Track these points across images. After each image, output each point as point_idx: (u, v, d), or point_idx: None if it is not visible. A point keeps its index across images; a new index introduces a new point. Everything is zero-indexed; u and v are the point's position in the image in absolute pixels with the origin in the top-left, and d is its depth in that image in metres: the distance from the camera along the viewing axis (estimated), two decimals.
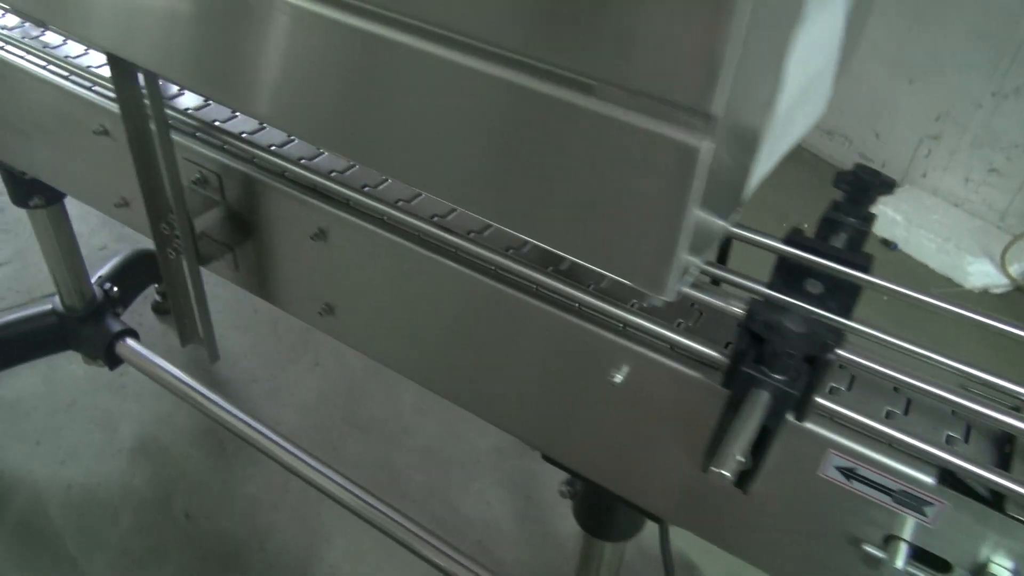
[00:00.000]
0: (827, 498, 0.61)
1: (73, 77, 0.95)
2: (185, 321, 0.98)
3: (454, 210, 0.80)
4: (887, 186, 0.67)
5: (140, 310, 1.86)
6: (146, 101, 0.79)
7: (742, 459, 0.47)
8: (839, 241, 0.68)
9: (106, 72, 0.93)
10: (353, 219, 0.80)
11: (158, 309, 1.91)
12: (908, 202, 2.60)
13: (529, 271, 0.68)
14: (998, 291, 2.41)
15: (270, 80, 0.62)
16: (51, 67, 0.97)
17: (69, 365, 1.68)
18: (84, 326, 1.49)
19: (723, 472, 0.46)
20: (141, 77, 0.77)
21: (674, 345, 0.60)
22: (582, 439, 0.76)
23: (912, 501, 0.57)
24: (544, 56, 0.38)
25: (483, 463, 1.62)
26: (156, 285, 1.87)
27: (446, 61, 0.43)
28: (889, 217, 2.57)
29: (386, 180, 0.83)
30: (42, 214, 1.34)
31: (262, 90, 0.63)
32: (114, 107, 0.92)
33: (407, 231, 0.76)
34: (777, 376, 0.51)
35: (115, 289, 1.58)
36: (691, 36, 0.32)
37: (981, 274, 2.39)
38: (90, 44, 0.76)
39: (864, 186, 0.67)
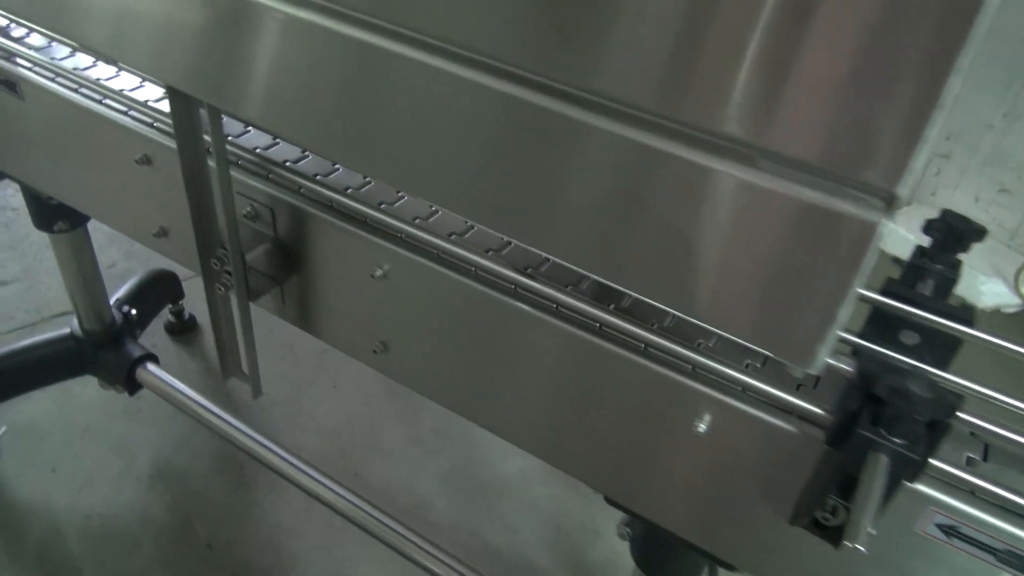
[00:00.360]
0: (921, 554, 0.60)
1: (109, 102, 0.93)
2: (229, 356, 0.96)
3: (509, 243, 0.78)
4: (979, 233, 0.66)
5: (153, 330, 1.83)
6: (206, 136, 0.76)
7: (874, 532, 0.45)
8: (926, 288, 0.67)
9: (144, 97, 0.91)
10: (414, 256, 0.78)
11: (171, 329, 1.87)
12: (918, 220, 2.61)
13: (621, 323, 0.66)
14: (1010, 311, 2.41)
15: (352, 123, 0.60)
16: (84, 90, 0.94)
17: (83, 388, 1.65)
18: (104, 351, 1.46)
19: (858, 547, 0.44)
20: (203, 111, 0.75)
21: (775, 401, 0.59)
22: (652, 484, 0.74)
23: (1017, 561, 0.56)
24: (720, 133, 0.36)
25: (509, 489, 1.59)
26: (171, 305, 1.84)
27: (603, 132, 0.41)
28: (900, 235, 2.57)
29: (436, 211, 0.81)
30: (65, 238, 1.31)
31: (349, 136, 0.61)
32: (158, 136, 0.90)
33: (466, 267, 0.75)
34: (897, 440, 0.50)
35: (133, 312, 1.55)
36: (892, 119, 0.31)
37: (993, 294, 2.40)
38: (159, 79, 0.74)
39: (954, 233, 0.66)
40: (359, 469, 1.60)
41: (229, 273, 0.86)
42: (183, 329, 1.87)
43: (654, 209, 0.40)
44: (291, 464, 1.37)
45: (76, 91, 0.95)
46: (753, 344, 0.41)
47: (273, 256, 0.88)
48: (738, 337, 0.40)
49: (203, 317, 1.92)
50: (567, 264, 0.52)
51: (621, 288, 0.46)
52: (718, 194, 0.37)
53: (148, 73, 0.86)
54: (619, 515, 0.84)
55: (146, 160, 0.92)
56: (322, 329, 0.93)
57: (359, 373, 1.80)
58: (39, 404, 1.62)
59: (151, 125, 0.91)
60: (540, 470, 1.63)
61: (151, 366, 1.47)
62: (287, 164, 0.84)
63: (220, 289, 0.87)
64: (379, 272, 0.80)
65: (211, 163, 0.81)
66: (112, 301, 1.54)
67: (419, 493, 1.57)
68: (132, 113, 0.92)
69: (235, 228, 0.81)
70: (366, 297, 0.85)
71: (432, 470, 1.62)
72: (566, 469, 0.79)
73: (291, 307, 0.94)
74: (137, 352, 1.46)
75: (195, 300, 1.91)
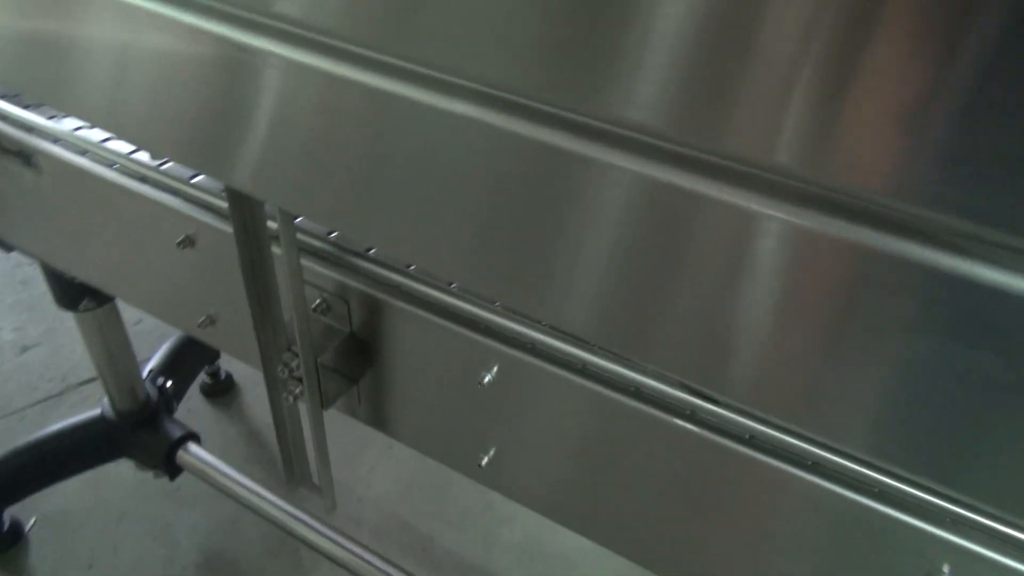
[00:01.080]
0: None
1: (143, 178, 0.78)
2: (295, 465, 0.81)
3: None
4: None
5: (188, 392, 1.68)
6: (271, 223, 0.61)
7: None
8: None
9: (182, 171, 0.76)
10: (533, 360, 0.62)
11: (208, 391, 1.73)
12: None
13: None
14: None
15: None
16: (115, 167, 0.80)
17: (116, 468, 1.50)
18: (140, 432, 1.31)
19: None
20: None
21: None
22: None
23: None
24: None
25: (590, 558, 1.43)
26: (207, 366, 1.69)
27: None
28: None
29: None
30: (91, 316, 1.16)
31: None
32: (201, 215, 0.75)
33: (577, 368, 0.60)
34: None
35: (168, 384, 1.40)
36: None
37: None
38: (228, 183, 0.59)
39: None
40: (426, 544, 1.44)
41: (298, 379, 0.71)
42: (220, 390, 1.73)
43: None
44: (350, 551, 1.22)
45: (103, 165, 0.80)
46: None
47: (349, 353, 0.73)
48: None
49: (240, 375, 1.78)
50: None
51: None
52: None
53: (205, 172, 0.71)
54: None
55: (189, 242, 0.77)
56: (408, 435, 0.77)
57: None
58: (70, 490, 1.47)
59: (194, 203, 0.76)
60: None
61: (193, 447, 1.32)
62: (370, 253, 0.69)
63: (289, 399, 0.72)
64: (488, 377, 0.64)
65: (275, 249, 0.66)
66: (145, 373, 1.39)
67: (496, 568, 1.41)
68: (176, 191, 0.77)
69: (308, 330, 0.66)
70: (470, 401, 0.69)
71: (507, 539, 1.46)
72: None
73: (368, 407, 0.79)
74: (177, 432, 1.31)
75: (231, 358, 1.76)
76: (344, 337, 0.71)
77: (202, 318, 0.84)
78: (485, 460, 0.71)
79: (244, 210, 0.60)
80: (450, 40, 0.39)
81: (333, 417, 1.73)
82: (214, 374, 1.72)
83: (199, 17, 0.50)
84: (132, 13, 0.52)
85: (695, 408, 0.57)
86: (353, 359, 0.74)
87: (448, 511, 1.51)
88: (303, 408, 0.74)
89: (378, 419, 0.79)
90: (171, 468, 1.31)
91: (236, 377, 1.77)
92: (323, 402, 0.72)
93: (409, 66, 0.42)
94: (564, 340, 0.61)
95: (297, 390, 0.71)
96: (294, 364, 0.70)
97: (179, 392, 1.47)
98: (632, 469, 0.64)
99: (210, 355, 1.65)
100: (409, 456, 1.62)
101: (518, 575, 1.40)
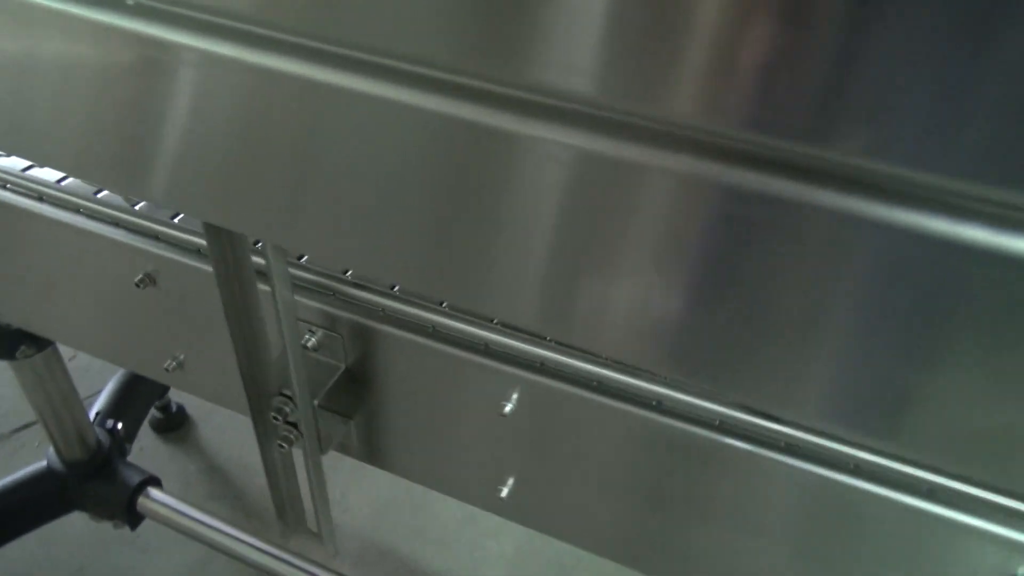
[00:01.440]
0: None
1: (78, 209, 0.70)
2: (291, 512, 0.74)
3: None
4: None
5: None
6: (258, 259, 0.54)
7: None
8: None
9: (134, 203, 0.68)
10: (547, 380, 0.58)
11: (159, 427, 1.61)
12: None
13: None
14: None
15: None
16: (51, 200, 0.71)
17: (67, 519, 1.38)
18: (94, 483, 1.20)
19: None
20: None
21: None
22: None
23: None
24: None
25: (584, 561, 1.40)
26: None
27: None
28: None
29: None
30: (29, 363, 1.05)
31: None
32: (163, 251, 0.67)
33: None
34: None
35: (119, 426, 1.29)
36: None
37: None
38: (139, 197, 0.52)
39: None
40: (412, 566, 1.38)
41: (292, 424, 0.64)
42: (173, 425, 1.62)
43: None
44: None
45: (38, 200, 0.71)
46: None
47: (344, 390, 0.67)
48: None
49: (193, 406, 1.67)
50: None
51: None
52: None
53: (112, 189, 0.63)
54: None
55: (149, 281, 0.69)
56: (413, 470, 0.72)
57: None
58: (20, 547, 1.34)
59: (153, 237, 0.68)
60: None
61: (154, 492, 1.22)
62: (367, 283, 0.62)
63: (283, 447, 0.65)
64: (508, 407, 0.59)
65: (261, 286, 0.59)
66: (92, 416, 1.28)
67: None
68: (114, 221, 0.69)
69: (302, 369, 0.59)
70: (484, 431, 0.64)
71: (496, 552, 1.41)
72: None
73: (364, 444, 0.73)
74: (135, 478, 1.21)
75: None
76: (339, 374, 0.65)
77: (169, 362, 0.76)
78: (505, 491, 0.66)
79: (224, 243, 0.53)
80: (359, 13, 0.34)
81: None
82: (164, 408, 1.61)
83: (95, 8, 0.41)
84: (9, 6, 0.44)
85: (723, 417, 0.54)
86: (348, 396, 0.67)
87: (431, 529, 1.45)
88: (306, 459, 0.67)
89: (375, 455, 0.73)
90: (132, 517, 1.21)
91: (189, 409, 1.66)
92: (321, 446, 0.66)
93: (325, 47, 0.36)
94: (577, 357, 0.57)
95: (292, 436, 0.65)
96: (287, 409, 0.63)
97: (131, 433, 1.36)
98: (660, 484, 0.60)
99: (160, 388, 1.53)
100: (380, 475, 1.54)
101: None
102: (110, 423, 1.29)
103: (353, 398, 0.68)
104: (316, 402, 0.63)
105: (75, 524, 1.38)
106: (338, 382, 0.65)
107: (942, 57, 0.25)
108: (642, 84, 0.30)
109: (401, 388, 0.66)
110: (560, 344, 0.58)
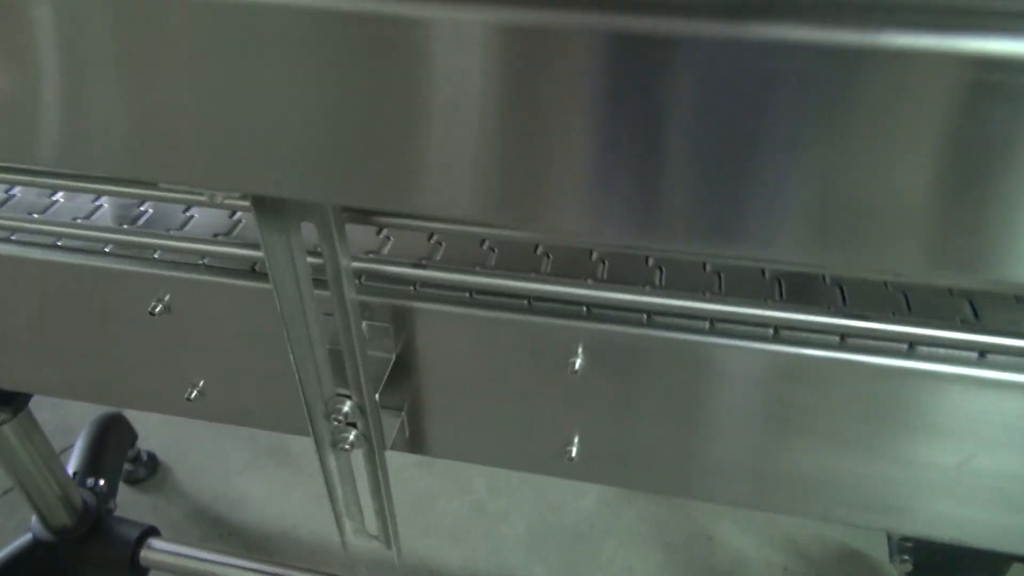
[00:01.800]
0: None
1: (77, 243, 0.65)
2: (349, 519, 0.72)
3: None
4: None
5: None
6: (297, 258, 0.52)
7: None
8: None
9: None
10: (603, 326, 0.58)
11: (131, 479, 1.53)
12: None
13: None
14: None
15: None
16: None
17: None
18: (88, 546, 1.13)
19: None
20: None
21: None
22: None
23: None
24: None
25: (598, 524, 1.42)
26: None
27: None
28: None
29: None
30: (6, 430, 0.98)
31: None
32: (176, 272, 0.64)
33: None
34: None
35: (101, 483, 1.22)
36: None
37: None
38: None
39: None
40: (431, 564, 1.37)
41: (352, 424, 0.62)
42: (146, 474, 1.53)
43: None
44: None
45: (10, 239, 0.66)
46: None
47: (395, 382, 0.65)
48: None
49: (163, 452, 1.59)
50: None
51: None
52: None
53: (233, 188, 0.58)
54: (723, 512, 0.70)
55: (164, 308, 0.66)
56: (469, 451, 0.71)
57: None
58: None
59: (166, 261, 0.64)
60: (616, 494, 1.47)
61: (155, 542, 1.16)
62: (422, 263, 0.61)
63: (347, 449, 0.63)
64: (577, 363, 0.59)
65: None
66: (71, 476, 1.20)
67: (513, 567, 1.36)
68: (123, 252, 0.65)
69: (368, 367, 0.58)
70: (545, 393, 0.64)
71: (510, 535, 1.41)
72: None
73: (414, 434, 0.71)
74: (133, 532, 1.14)
75: (149, 434, 1.57)
76: (392, 365, 0.63)
77: (189, 390, 0.72)
78: (574, 452, 0.66)
79: (280, 244, 0.51)
80: None
81: (279, 468, 1.61)
82: (135, 459, 1.52)
83: None
84: None
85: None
86: (398, 387, 0.66)
87: (439, 525, 1.43)
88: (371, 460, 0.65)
89: (425, 444, 0.72)
90: (136, 572, 1.14)
91: (159, 455, 1.58)
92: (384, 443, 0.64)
93: None
94: (623, 291, 0.57)
95: (352, 436, 0.63)
96: (345, 409, 0.61)
97: (112, 489, 1.28)
98: (722, 410, 0.62)
99: (130, 437, 1.45)
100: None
101: (537, 564, 1.36)
102: (90, 481, 1.21)
103: (403, 389, 0.67)
104: (377, 397, 0.61)
105: None
106: (392, 374, 0.64)
107: None
108: None
109: (450, 368, 0.65)
110: (604, 281, 0.59)
